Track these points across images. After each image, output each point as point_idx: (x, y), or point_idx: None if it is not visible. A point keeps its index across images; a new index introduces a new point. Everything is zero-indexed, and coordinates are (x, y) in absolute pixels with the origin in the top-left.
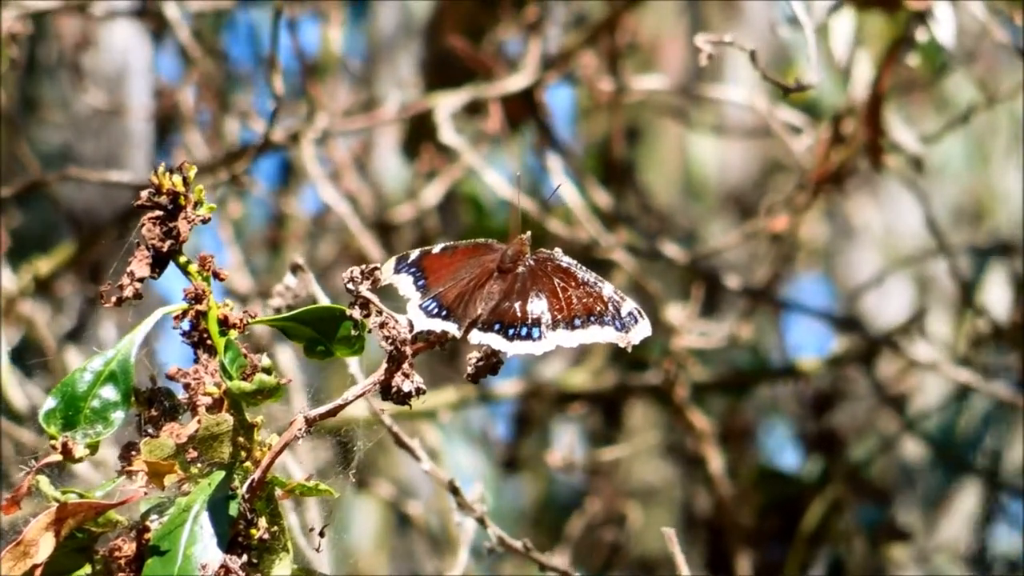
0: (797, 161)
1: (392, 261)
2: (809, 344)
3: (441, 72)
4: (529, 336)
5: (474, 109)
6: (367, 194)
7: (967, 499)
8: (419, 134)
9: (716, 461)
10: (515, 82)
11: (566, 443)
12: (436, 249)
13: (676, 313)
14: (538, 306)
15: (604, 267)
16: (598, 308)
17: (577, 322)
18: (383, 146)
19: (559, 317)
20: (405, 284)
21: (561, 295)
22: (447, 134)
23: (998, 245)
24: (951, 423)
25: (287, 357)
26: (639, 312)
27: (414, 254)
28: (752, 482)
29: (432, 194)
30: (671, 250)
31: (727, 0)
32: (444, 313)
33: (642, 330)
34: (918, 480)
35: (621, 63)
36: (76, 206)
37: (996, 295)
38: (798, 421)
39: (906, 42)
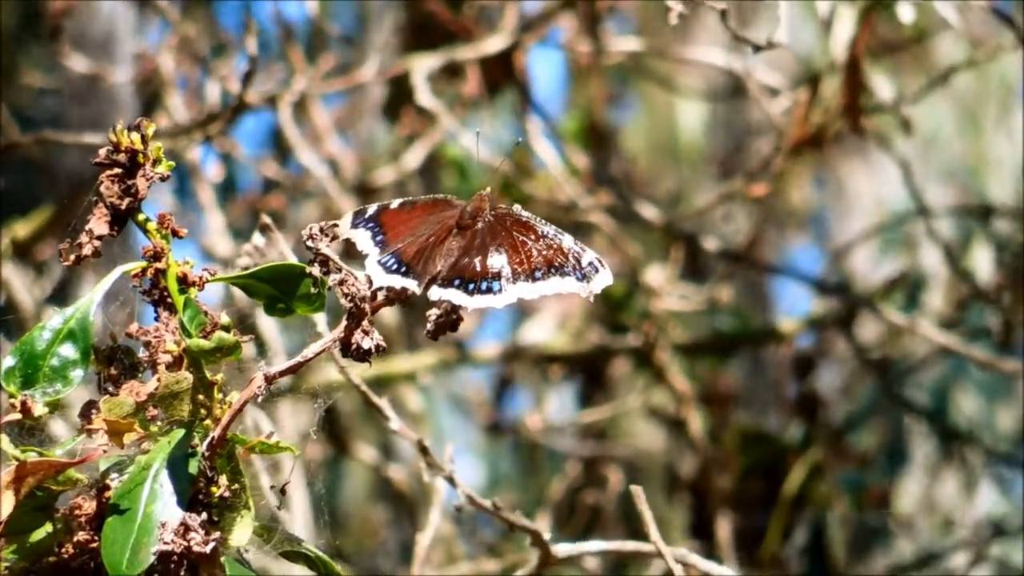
0: (774, 123)
1: (349, 216)
2: (802, 309)
3: (422, 36)
4: (489, 290)
5: (455, 72)
6: (349, 157)
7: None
8: (401, 98)
9: (697, 424)
10: (492, 44)
11: (547, 407)
12: (394, 204)
13: (656, 275)
14: (498, 260)
15: (584, 230)
16: (558, 260)
17: (538, 274)
18: (367, 110)
19: (519, 270)
20: (363, 239)
21: (521, 249)
22: (424, 97)
23: (982, 208)
24: (938, 388)
25: (270, 321)
26: (600, 262)
27: (371, 209)
28: (734, 445)
29: (413, 158)
30: (649, 212)
31: None
32: (403, 269)
33: (603, 279)
34: (907, 444)
35: (600, 26)
36: (59, 171)
37: (982, 259)
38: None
39: (882, 4)
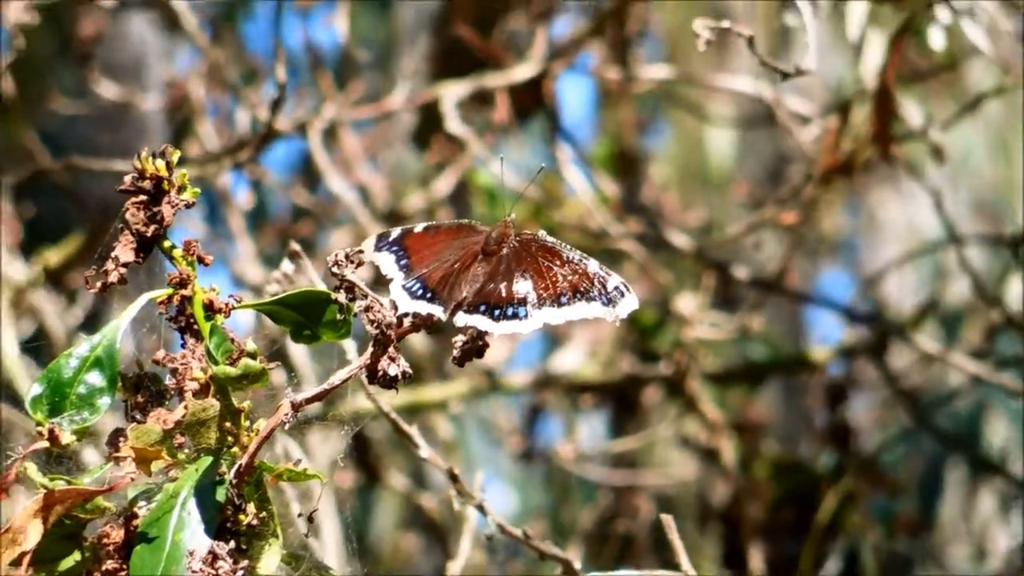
0: (804, 152)
1: (372, 239)
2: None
3: (451, 62)
4: (515, 316)
5: (484, 99)
6: (379, 184)
7: (986, 493)
8: (430, 124)
9: (728, 453)
10: (521, 72)
11: (578, 436)
12: (418, 228)
13: (687, 304)
14: (523, 286)
15: (614, 257)
16: (584, 285)
17: (563, 299)
18: (396, 136)
19: (545, 295)
20: (387, 263)
21: (546, 274)
22: (453, 124)
23: (1015, 237)
24: (969, 416)
25: (301, 348)
26: (625, 286)
27: (395, 232)
28: (766, 474)
29: (443, 185)
30: (680, 240)
31: None
32: (429, 295)
33: (628, 304)
34: (939, 472)
35: (630, 52)
36: (90, 198)
37: (1015, 287)
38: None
39: (912, 31)
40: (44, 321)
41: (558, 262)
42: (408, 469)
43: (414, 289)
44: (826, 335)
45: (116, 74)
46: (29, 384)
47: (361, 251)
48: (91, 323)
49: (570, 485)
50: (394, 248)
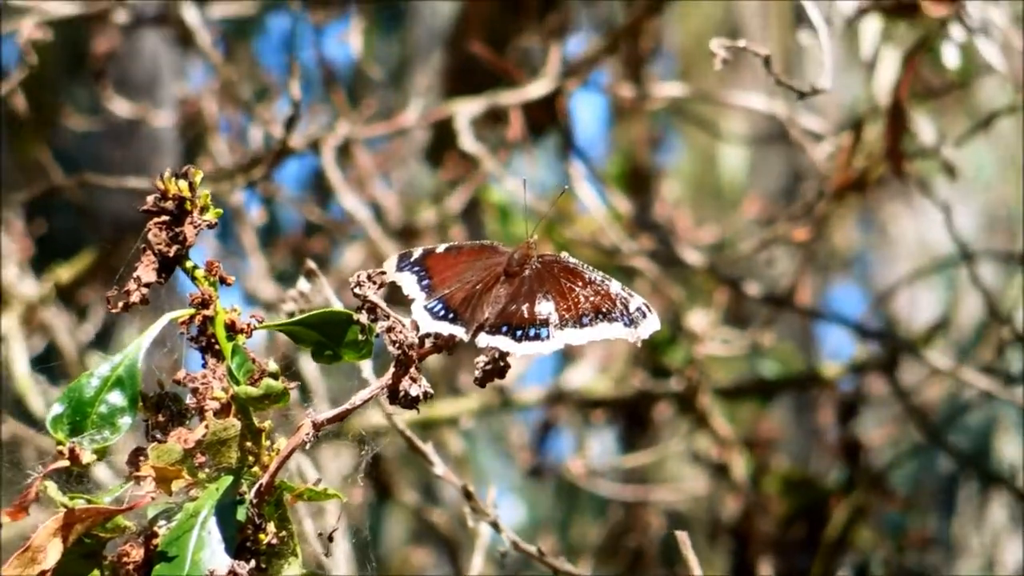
0: (817, 169)
1: (394, 259)
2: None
3: (465, 79)
4: (537, 336)
5: (498, 116)
6: (392, 201)
7: (998, 508)
8: (443, 141)
9: (739, 468)
10: (535, 89)
11: (589, 451)
12: (440, 249)
13: (698, 320)
14: (546, 307)
15: (626, 274)
16: (606, 306)
17: (585, 320)
18: (409, 153)
19: (567, 316)
20: (409, 283)
21: (568, 295)
22: (466, 141)
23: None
24: (979, 432)
25: (312, 366)
26: (647, 307)
27: (416, 252)
28: (777, 489)
29: (456, 201)
30: (692, 257)
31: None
32: (451, 316)
33: (650, 325)
34: (950, 488)
35: (644, 69)
36: (102, 214)
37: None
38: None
39: (925, 48)
40: (56, 337)
41: (580, 283)
42: (418, 484)
43: (436, 309)
44: (836, 350)
45: (129, 91)
46: (40, 401)
47: (383, 272)
48: (102, 340)
49: (580, 500)
50: (415, 268)
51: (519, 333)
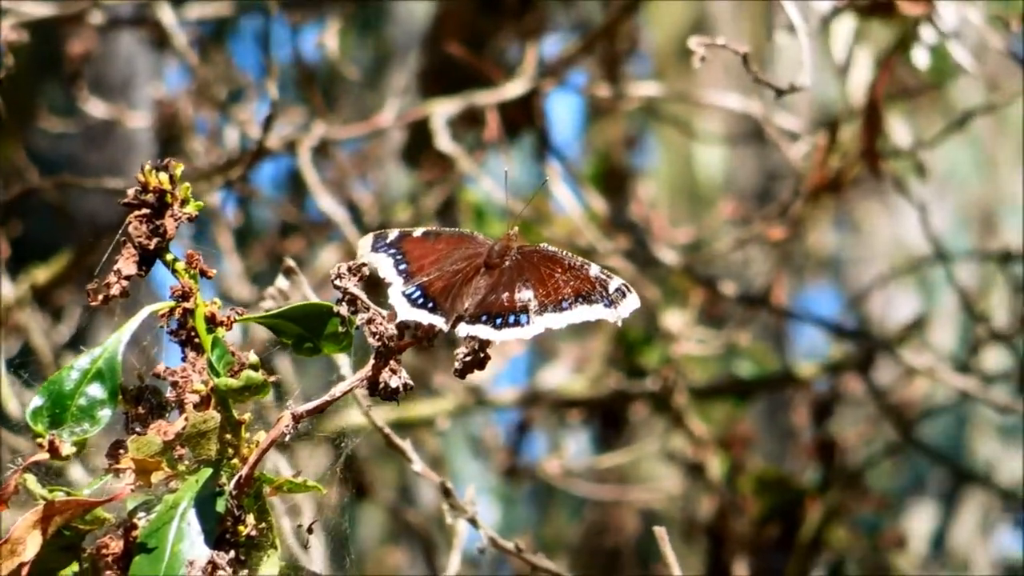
0: (793, 168)
1: (369, 238)
2: (822, 350)
3: (441, 80)
4: (517, 323)
5: (474, 117)
6: (369, 201)
7: (973, 507)
8: (420, 142)
9: (714, 468)
10: (511, 89)
11: (565, 451)
12: (417, 233)
13: (674, 320)
14: (525, 294)
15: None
16: (586, 289)
17: (565, 304)
18: (386, 154)
19: (546, 302)
20: (385, 266)
21: (548, 281)
22: (443, 141)
23: (1001, 252)
24: (954, 431)
25: (287, 363)
26: (627, 287)
27: (392, 234)
28: (752, 489)
29: (432, 202)
30: (668, 256)
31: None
32: (430, 305)
33: (630, 304)
34: (925, 487)
35: (620, 69)
36: (80, 215)
37: (1000, 302)
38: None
39: (901, 48)
40: (31, 339)
41: (560, 269)
42: (395, 484)
43: (415, 297)
44: (811, 350)
45: (105, 92)
46: (14, 401)
47: (363, 264)
48: (78, 342)
49: (556, 500)
50: (392, 251)
51: (499, 321)
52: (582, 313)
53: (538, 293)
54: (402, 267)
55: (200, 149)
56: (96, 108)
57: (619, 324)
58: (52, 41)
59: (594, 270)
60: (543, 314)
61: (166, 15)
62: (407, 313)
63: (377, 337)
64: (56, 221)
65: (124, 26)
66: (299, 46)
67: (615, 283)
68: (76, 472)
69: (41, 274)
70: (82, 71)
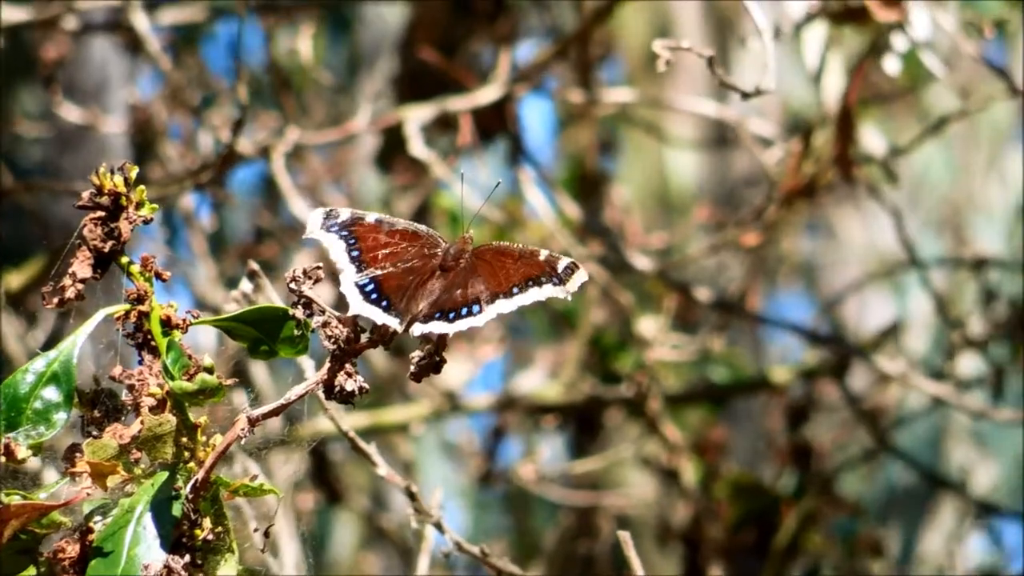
0: (767, 174)
1: (319, 214)
2: (796, 356)
3: (415, 85)
4: (470, 313)
5: (448, 122)
6: (342, 206)
7: (947, 513)
8: (394, 147)
9: (689, 474)
10: (485, 95)
11: (539, 456)
12: (369, 218)
13: (648, 326)
14: (477, 288)
15: None
16: (535, 273)
17: (515, 290)
18: (359, 159)
19: (498, 291)
20: (337, 249)
21: (499, 273)
22: (416, 147)
23: (975, 258)
24: (928, 437)
25: (262, 371)
26: (575, 264)
27: (344, 214)
28: (727, 495)
29: (405, 206)
30: (641, 262)
31: None
32: (384, 303)
33: (579, 278)
34: (898, 493)
35: (593, 75)
36: (53, 220)
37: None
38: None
39: (875, 54)
40: (4, 344)
41: (511, 260)
42: (369, 490)
43: (368, 290)
44: (785, 354)
45: (79, 97)
46: None
47: (319, 267)
48: (52, 347)
49: (531, 506)
50: (344, 234)
51: (452, 315)
52: (532, 295)
53: (489, 284)
54: (354, 253)
55: (174, 154)
56: (70, 113)
57: (569, 299)
58: (26, 46)
59: (543, 255)
60: (494, 302)
61: (140, 20)
62: (359, 307)
63: (332, 340)
64: (30, 225)
65: (98, 31)
66: (272, 51)
67: (564, 262)
68: (51, 475)
69: (15, 279)
70: (56, 76)
